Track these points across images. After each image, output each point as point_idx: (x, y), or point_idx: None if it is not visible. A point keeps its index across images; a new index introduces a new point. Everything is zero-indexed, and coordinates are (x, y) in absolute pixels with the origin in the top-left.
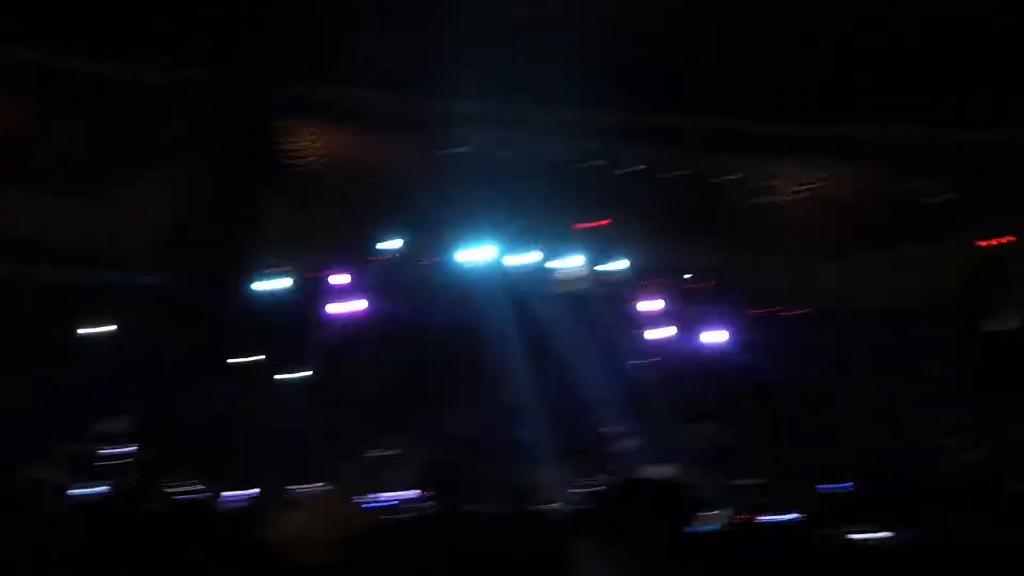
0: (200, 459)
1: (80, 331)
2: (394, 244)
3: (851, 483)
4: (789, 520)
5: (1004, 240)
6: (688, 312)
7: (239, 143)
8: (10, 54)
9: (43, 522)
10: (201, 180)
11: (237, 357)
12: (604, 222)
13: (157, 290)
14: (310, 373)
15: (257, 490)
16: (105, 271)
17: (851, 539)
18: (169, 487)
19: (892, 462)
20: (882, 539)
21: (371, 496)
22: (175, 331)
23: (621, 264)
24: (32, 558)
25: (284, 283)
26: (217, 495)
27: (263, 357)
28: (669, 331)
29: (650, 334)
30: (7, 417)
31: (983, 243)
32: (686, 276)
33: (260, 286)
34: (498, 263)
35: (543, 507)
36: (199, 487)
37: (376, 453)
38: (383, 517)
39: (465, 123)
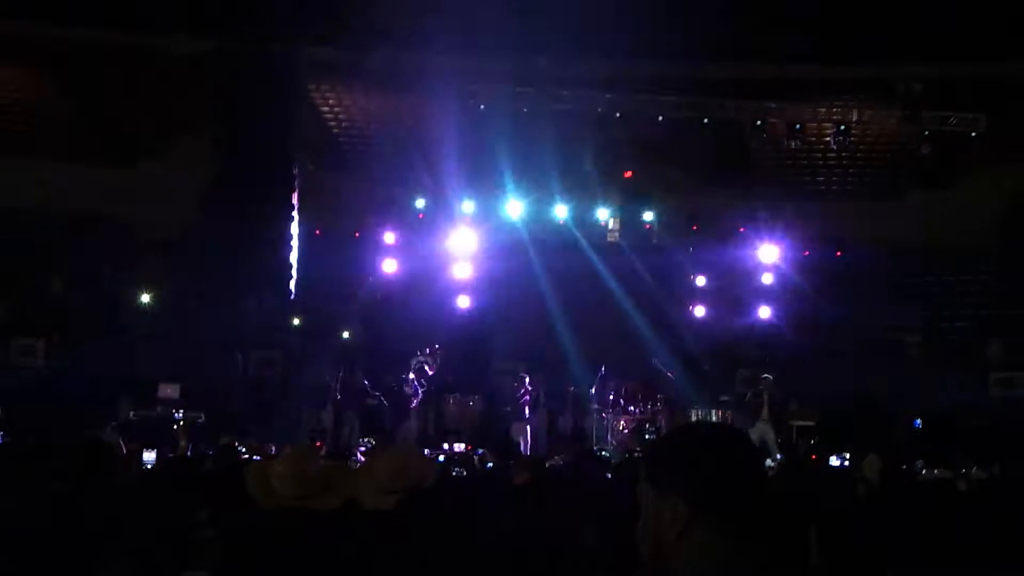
0: (250, 420)
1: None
2: (421, 202)
3: (918, 422)
4: (842, 463)
5: None
6: (730, 259)
7: (264, 110)
8: (38, 29)
9: (119, 488)
10: (229, 147)
11: (280, 321)
12: (628, 174)
13: (195, 258)
14: (355, 333)
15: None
16: (141, 241)
17: (919, 477)
18: (221, 449)
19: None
20: (952, 477)
21: (432, 449)
22: (214, 299)
23: (654, 214)
24: (110, 525)
25: (327, 246)
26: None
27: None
28: (710, 279)
29: (692, 282)
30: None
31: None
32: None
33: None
34: (530, 217)
35: (599, 455)
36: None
37: (436, 408)
38: (446, 469)
39: (485, 79)
